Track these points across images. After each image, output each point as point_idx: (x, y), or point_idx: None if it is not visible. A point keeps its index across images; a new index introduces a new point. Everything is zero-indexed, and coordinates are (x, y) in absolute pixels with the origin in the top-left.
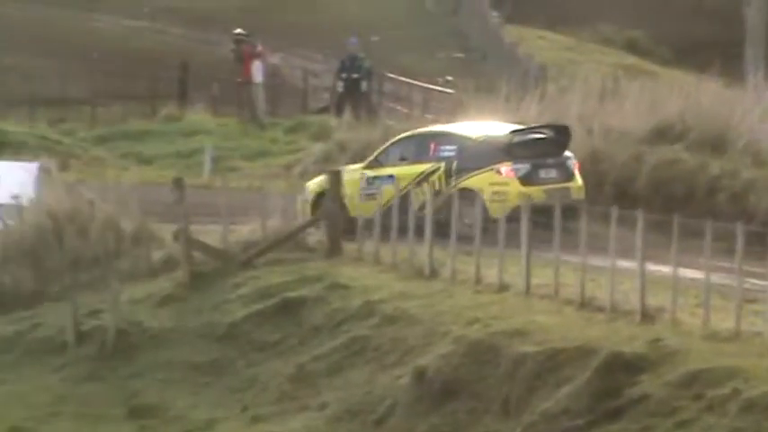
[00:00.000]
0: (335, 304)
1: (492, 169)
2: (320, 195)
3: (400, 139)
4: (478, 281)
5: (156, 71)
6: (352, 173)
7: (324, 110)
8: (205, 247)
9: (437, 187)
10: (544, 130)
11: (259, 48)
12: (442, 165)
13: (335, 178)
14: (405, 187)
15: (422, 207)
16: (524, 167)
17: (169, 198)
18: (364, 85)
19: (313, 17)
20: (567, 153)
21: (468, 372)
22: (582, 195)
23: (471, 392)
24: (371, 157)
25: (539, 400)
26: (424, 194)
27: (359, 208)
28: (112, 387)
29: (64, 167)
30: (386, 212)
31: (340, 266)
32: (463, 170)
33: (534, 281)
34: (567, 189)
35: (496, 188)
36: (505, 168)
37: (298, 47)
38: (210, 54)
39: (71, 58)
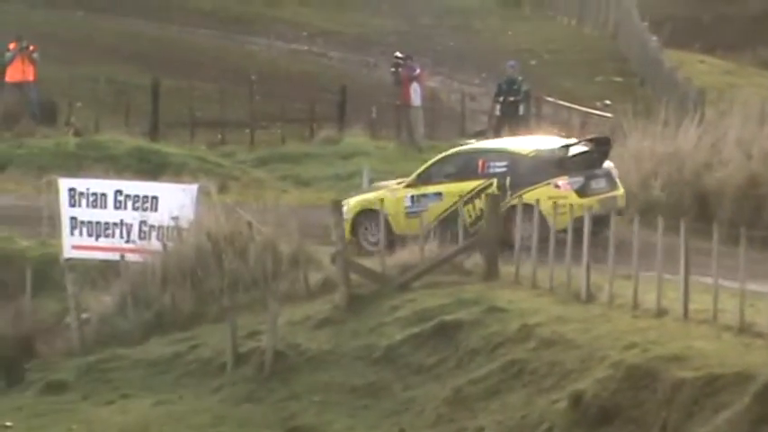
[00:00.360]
0: (492, 327)
1: (549, 183)
2: (359, 214)
3: (444, 158)
4: (636, 305)
5: (314, 94)
6: (394, 191)
7: (481, 133)
8: (363, 270)
9: None
10: (588, 144)
11: (417, 71)
12: (495, 181)
13: (495, 202)
14: (454, 204)
15: (473, 223)
16: (579, 180)
17: (327, 220)
18: (522, 108)
19: (471, 41)
20: (610, 163)
21: (625, 397)
22: (624, 203)
23: (628, 417)
24: (413, 176)
25: (696, 425)
26: (476, 211)
27: (403, 226)
28: (270, 408)
29: (223, 189)
30: (436, 229)
31: (497, 289)
32: (517, 185)
33: (692, 306)
34: (615, 198)
35: (555, 201)
36: (562, 182)
37: (456, 70)
38: (369, 77)
39: (230, 81)
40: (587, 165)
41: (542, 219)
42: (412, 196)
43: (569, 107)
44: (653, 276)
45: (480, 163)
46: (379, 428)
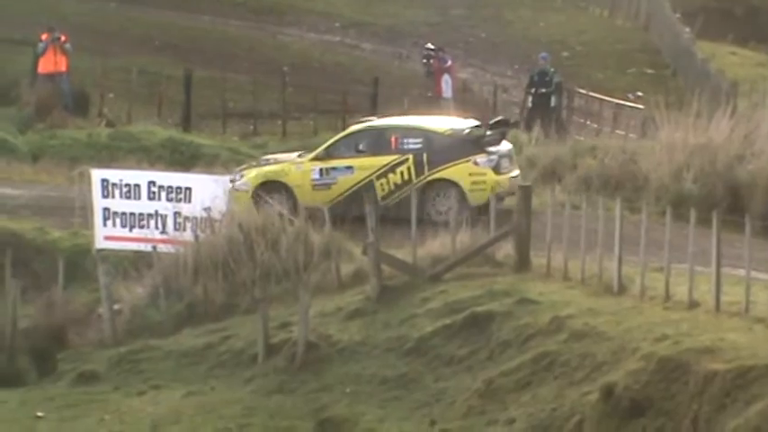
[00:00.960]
0: (524, 319)
1: (468, 160)
2: (261, 186)
3: (354, 132)
4: (668, 298)
5: (346, 85)
6: (300, 164)
7: (513, 125)
8: (394, 261)
9: (405, 178)
10: (493, 125)
11: (448, 62)
12: (410, 156)
13: (527, 193)
14: (366, 178)
15: (385, 197)
16: (495, 158)
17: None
18: (554, 100)
19: (503, 32)
20: (509, 144)
21: (656, 389)
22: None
23: (660, 410)
24: (321, 149)
25: (728, 417)
26: (390, 185)
27: (309, 197)
28: (301, 399)
29: None
30: (345, 201)
31: (528, 281)
32: (434, 162)
33: (724, 298)
34: (517, 177)
35: (475, 178)
36: (481, 159)
37: (488, 62)
38: (401, 68)
39: (262, 72)
40: (495, 145)
41: (461, 195)
42: (320, 169)
43: (601, 99)
44: (685, 268)
45: (393, 139)
46: (409, 420)
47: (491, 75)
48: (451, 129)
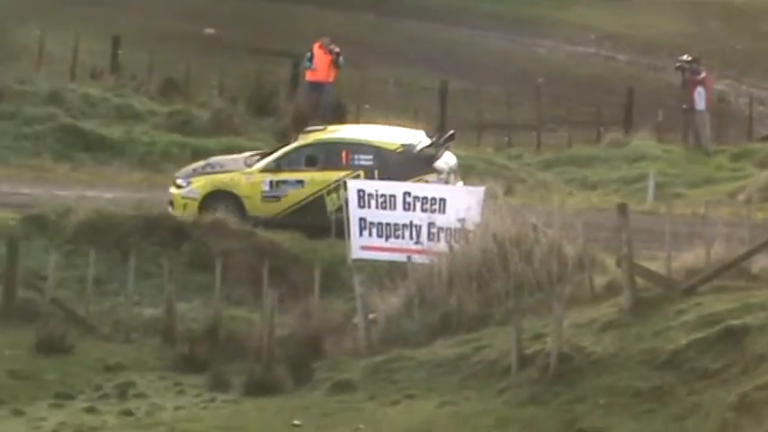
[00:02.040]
0: None
1: (420, 179)
2: (209, 195)
3: (304, 145)
4: None
5: (601, 97)
6: (249, 174)
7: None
8: (648, 274)
9: None
10: (441, 140)
11: (702, 75)
12: (361, 173)
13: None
14: (316, 192)
15: (333, 212)
16: (444, 176)
17: (613, 224)
18: None
19: (759, 44)
20: (453, 157)
21: None
22: None
23: None
24: (269, 161)
25: None
26: (340, 200)
27: (258, 209)
28: (554, 411)
29: (509, 192)
30: (292, 215)
31: None
32: (385, 179)
33: None
34: None
35: None
36: (432, 179)
37: (744, 73)
38: (656, 80)
39: (516, 84)
40: (441, 160)
41: None
42: (270, 181)
43: None
44: None
45: (344, 154)
46: None
47: (747, 86)
48: (402, 145)
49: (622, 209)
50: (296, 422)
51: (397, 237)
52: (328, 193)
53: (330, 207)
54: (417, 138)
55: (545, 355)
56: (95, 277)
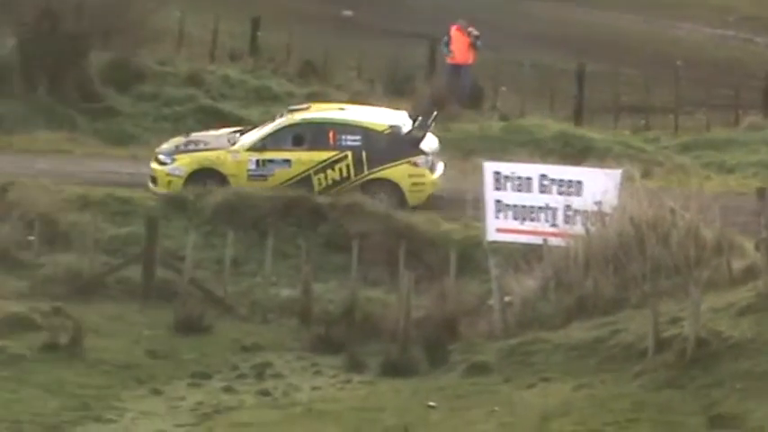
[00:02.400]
0: None
1: (409, 161)
2: (195, 173)
3: (291, 125)
4: None
5: (740, 80)
6: (236, 153)
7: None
8: None
9: (344, 175)
10: (422, 120)
11: None
12: (349, 154)
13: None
14: (303, 172)
15: (321, 191)
16: (430, 158)
17: (752, 208)
18: None
19: None
20: (435, 139)
21: None
22: None
23: None
24: (256, 140)
25: None
26: (327, 180)
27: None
28: (691, 395)
29: (646, 175)
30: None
31: None
32: (373, 161)
33: None
34: (442, 174)
35: (415, 179)
36: (420, 160)
37: None
38: None
39: (654, 66)
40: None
41: (400, 195)
42: (257, 160)
43: None
44: None
45: (331, 134)
46: None
47: None
48: (390, 126)
49: (762, 193)
50: (431, 404)
51: (533, 219)
52: (315, 173)
53: (317, 187)
54: (400, 119)
55: (682, 340)
56: (233, 258)
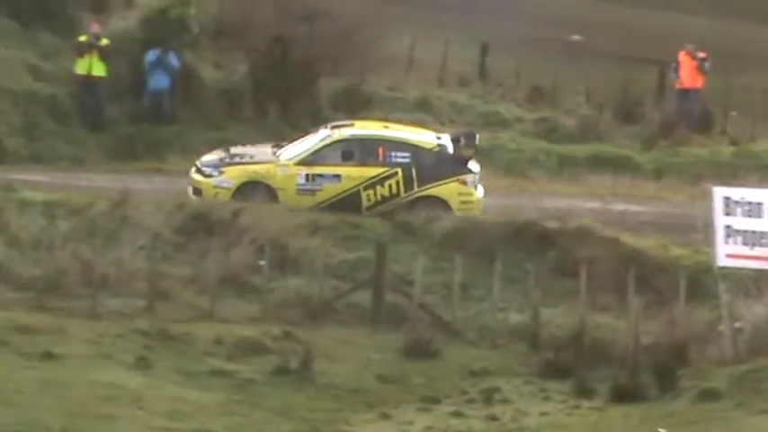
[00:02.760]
0: None
1: (458, 179)
2: (243, 186)
3: (340, 140)
4: None
5: None
6: (285, 167)
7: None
8: None
9: (394, 191)
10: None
11: None
12: (399, 170)
13: None
14: (353, 187)
15: (369, 207)
16: (476, 178)
17: None
18: None
19: None
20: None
21: None
22: None
23: None
24: (304, 155)
25: None
26: (376, 196)
27: (293, 201)
28: None
29: None
30: (327, 207)
31: None
32: (423, 178)
33: None
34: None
35: (464, 197)
36: (469, 179)
37: None
38: None
39: None
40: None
41: (449, 212)
42: (307, 174)
43: None
44: None
45: (381, 150)
46: None
47: None
48: (438, 145)
49: None
50: (660, 430)
51: (763, 245)
52: (365, 188)
53: (366, 202)
54: (444, 139)
55: None
56: (461, 283)
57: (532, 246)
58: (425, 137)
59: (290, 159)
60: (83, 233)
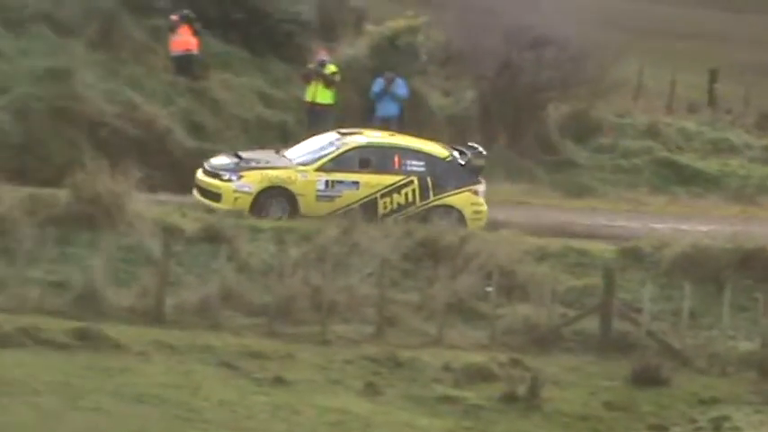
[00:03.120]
0: None
1: (471, 190)
2: (264, 191)
3: (358, 147)
4: None
5: None
6: (305, 173)
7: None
8: None
9: (410, 200)
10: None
11: None
12: (415, 179)
13: None
14: (371, 195)
15: (385, 215)
16: (484, 188)
17: None
18: None
19: None
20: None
21: None
22: None
23: None
24: (323, 161)
25: None
26: (393, 204)
27: (312, 207)
28: None
29: None
30: (344, 213)
31: None
32: (438, 187)
33: None
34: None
35: (476, 207)
36: (480, 189)
37: None
38: None
39: None
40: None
41: (461, 221)
42: (326, 181)
43: None
44: None
45: (396, 158)
46: None
47: None
48: (450, 155)
49: None
50: None
51: None
52: (381, 196)
53: (382, 210)
54: (455, 151)
55: None
56: (690, 310)
57: (761, 273)
58: (437, 147)
59: (309, 165)
60: (312, 259)
